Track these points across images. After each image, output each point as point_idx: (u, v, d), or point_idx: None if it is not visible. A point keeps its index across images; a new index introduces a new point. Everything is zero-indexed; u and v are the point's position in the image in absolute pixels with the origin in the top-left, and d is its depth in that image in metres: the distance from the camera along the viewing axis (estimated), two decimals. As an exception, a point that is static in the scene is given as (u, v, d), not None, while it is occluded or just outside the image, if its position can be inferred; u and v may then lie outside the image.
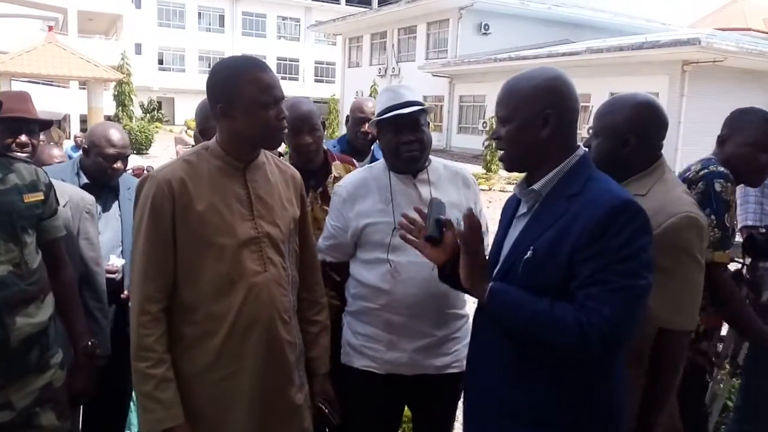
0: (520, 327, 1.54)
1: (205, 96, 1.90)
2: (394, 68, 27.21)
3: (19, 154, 2.34)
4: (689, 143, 13.11)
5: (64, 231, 2.13)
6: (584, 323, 1.42)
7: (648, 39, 17.84)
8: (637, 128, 1.93)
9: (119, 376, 2.45)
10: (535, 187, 1.63)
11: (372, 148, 3.39)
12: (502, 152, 1.69)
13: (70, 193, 2.43)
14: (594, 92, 18.37)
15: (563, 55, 18.82)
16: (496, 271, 1.69)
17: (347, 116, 3.49)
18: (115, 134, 2.77)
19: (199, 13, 41.44)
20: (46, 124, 2.58)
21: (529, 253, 1.56)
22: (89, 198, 2.52)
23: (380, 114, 2.24)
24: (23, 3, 28.90)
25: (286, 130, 1.86)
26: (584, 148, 1.66)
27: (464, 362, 2.19)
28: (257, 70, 1.78)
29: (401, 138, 2.18)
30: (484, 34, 23.86)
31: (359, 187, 2.28)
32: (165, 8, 40.34)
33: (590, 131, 2.06)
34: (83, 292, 2.38)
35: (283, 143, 2.83)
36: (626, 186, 1.88)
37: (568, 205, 1.55)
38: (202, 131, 2.36)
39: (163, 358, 1.74)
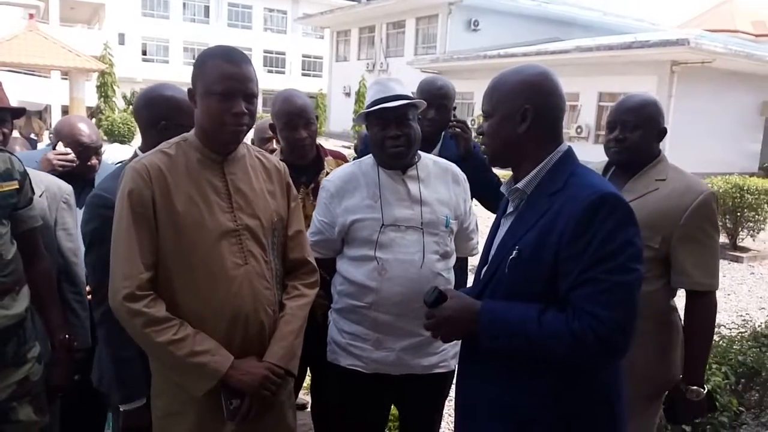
0: (513, 347, 1.53)
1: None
2: (382, 63, 27.08)
3: None
4: (676, 144, 13.08)
5: (40, 221, 2.07)
6: (576, 329, 1.42)
7: (637, 38, 17.89)
8: (663, 121, 2.26)
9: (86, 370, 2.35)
10: (519, 185, 1.62)
11: (441, 138, 2.97)
12: (484, 147, 1.70)
13: (47, 183, 2.33)
14: (582, 91, 18.42)
15: (552, 53, 18.79)
16: (484, 271, 1.69)
17: None
18: (84, 129, 2.66)
19: (184, 4, 40.99)
20: (18, 113, 2.44)
21: (514, 252, 1.55)
22: (66, 187, 2.42)
23: (368, 107, 2.18)
24: (4, -10, 28.31)
25: (242, 129, 1.75)
26: (568, 144, 1.65)
27: (451, 362, 2.27)
28: (224, 58, 1.72)
29: (387, 132, 2.14)
30: (474, 30, 23.82)
31: (348, 182, 2.23)
32: (149, -2, 39.78)
33: (617, 126, 2.22)
34: (61, 284, 2.31)
35: (274, 138, 2.67)
36: (646, 173, 2.23)
37: (550, 202, 1.53)
38: (165, 127, 2.03)
39: (181, 322, 1.70)
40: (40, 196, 2.23)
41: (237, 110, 1.71)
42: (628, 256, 1.44)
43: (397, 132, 2.13)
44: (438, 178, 2.27)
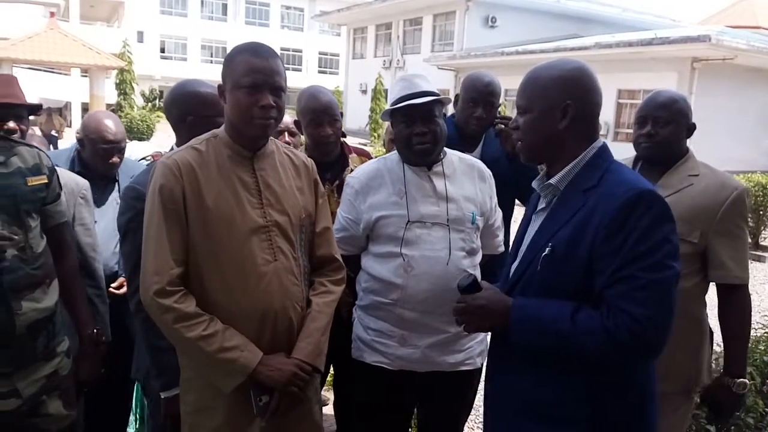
0: (545, 344, 1.51)
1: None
2: (399, 60, 27.00)
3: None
4: (697, 142, 12.91)
5: (66, 216, 2.10)
6: (611, 327, 1.40)
7: (658, 35, 17.65)
8: (691, 117, 2.28)
9: (120, 364, 2.40)
10: (552, 181, 1.60)
11: (484, 135, 2.93)
12: (519, 143, 1.66)
13: (65, 179, 2.34)
14: (602, 88, 18.20)
15: (572, 50, 18.62)
16: (514, 268, 1.67)
17: (456, 95, 2.94)
18: (110, 126, 2.69)
19: (202, 1, 41.17)
20: (34, 109, 2.47)
21: (547, 249, 1.53)
22: (83, 183, 2.47)
23: (394, 103, 2.17)
24: (25, -12, 28.64)
25: (270, 122, 1.75)
26: (603, 140, 1.62)
27: (477, 359, 2.27)
28: (251, 52, 1.74)
29: (414, 129, 2.13)
30: (491, 27, 23.65)
31: (372, 178, 2.23)
32: (168, -5, 40.05)
33: (649, 121, 2.23)
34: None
35: (302, 135, 2.67)
36: (678, 169, 2.22)
37: (585, 199, 1.52)
38: (193, 122, 2.07)
39: (212, 317, 1.72)
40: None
41: (264, 103, 1.71)
42: (664, 253, 1.42)
43: (424, 129, 2.12)
44: (464, 174, 2.26)
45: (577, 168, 1.57)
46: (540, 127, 1.59)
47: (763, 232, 9.26)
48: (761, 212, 9.02)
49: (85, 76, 21.85)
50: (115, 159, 2.73)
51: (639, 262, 1.40)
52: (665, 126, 2.20)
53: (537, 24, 23.37)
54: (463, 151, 2.62)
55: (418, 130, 2.12)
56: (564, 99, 1.55)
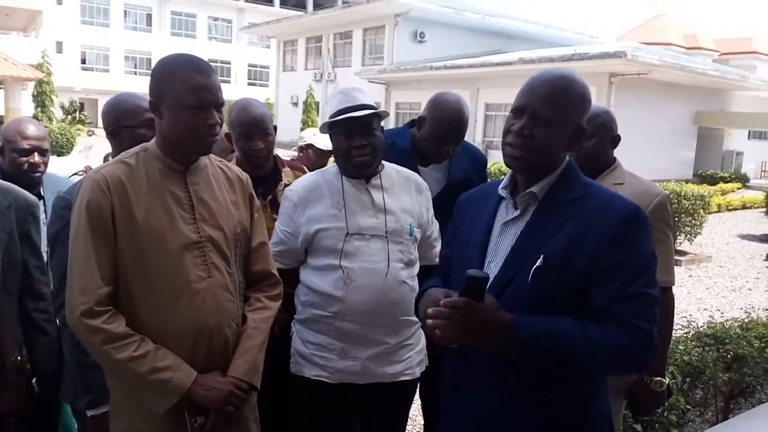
0: (552, 362, 1.46)
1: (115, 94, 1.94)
2: (330, 73, 27.05)
3: None
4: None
5: None
6: (626, 344, 1.41)
7: (577, 51, 18.45)
8: (616, 128, 2.40)
9: (49, 388, 2.28)
10: (534, 190, 1.56)
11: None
12: (516, 150, 1.53)
13: (14, 195, 2.24)
14: (527, 101, 18.76)
15: (497, 65, 19.20)
16: (495, 277, 1.53)
17: (421, 117, 2.68)
18: (30, 127, 2.58)
19: (125, 11, 40.03)
20: None
21: (539, 261, 1.48)
22: (33, 200, 2.33)
23: (333, 116, 2.17)
24: (-69, -5, 26.99)
25: (215, 139, 1.75)
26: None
27: (416, 369, 2.27)
28: (191, 69, 1.69)
29: (353, 142, 2.14)
30: (420, 41, 24.07)
31: (311, 191, 2.22)
32: (88, 5, 38.72)
33: None
34: (25, 302, 2.23)
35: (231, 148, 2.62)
36: (605, 177, 2.34)
37: (572, 209, 1.51)
38: (113, 133, 2.13)
39: (142, 338, 1.65)
40: (7, 209, 2.16)
41: (212, 121, 1.69)
42: (654, 269, 1.48)
43: (363, 141, 2.13)
44: (401, 187, 2.28)
45: (554, 179, 1.57)
46: (557, 144, 1.53)
47: (678, 237, 9.75)
48: (676, 219, 9.52)
49: (0, 88, 20.78)
50: (37, 159, 2.55)
51: (642, 278, 1.44)
52: (589, 139, 2.26)
53: (463, 39, 23.95)
54: (421, 165, 2.63)
55: (358, 143, 2.13)
56: (580, 121, 1.54)
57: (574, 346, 1.41)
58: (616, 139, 2.39)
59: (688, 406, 3.52)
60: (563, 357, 1.43)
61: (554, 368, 1.47)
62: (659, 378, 2.28)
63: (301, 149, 4.10)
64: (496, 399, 1.55)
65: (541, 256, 1.48)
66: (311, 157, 3.96)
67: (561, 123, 1.51)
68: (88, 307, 1.60)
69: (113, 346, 1.61)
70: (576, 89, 1.53)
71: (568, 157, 1.60)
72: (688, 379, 3.56)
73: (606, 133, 2.35)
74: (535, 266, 1.48)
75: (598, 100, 16.74)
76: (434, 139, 2.58)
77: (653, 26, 27.24)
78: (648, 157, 16.88)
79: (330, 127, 2.19)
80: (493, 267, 1.57)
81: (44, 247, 2.41)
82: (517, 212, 1.59)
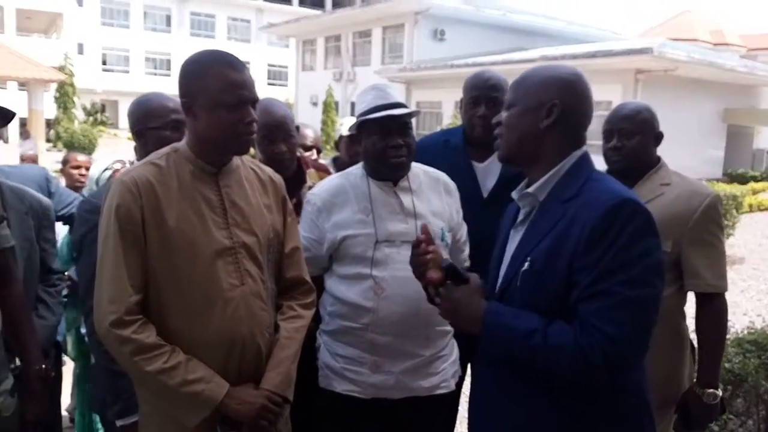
0: (514, 356, 1.42)
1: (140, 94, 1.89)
2: (349, 73, 26.97)
3: None
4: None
5: (11, 241, 1.93)
6: (585, 346, 1.31)
7: (601, 47, 18.14)
8: (658, 125, 2.29)
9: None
10: (530, 190, 1.53)
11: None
12: (498, 140, 1.60)
13: (30, 200, 2.25)
14: (549, 99, 18.54)
15: (518, 62, 18.95)
16: (497, 287, 1.57)
17: (460, 100, 2.67)
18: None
19: (145, 13, 40.36)
20: (6, 117, 2.10)
21: (526, 264, 1.45)
22: (47, 203, 2.36)
23: (365, 113, 2.05)
24: (-45, -2, 27.47)
25: (253, 137, 1.71)
26: (584, 149, 1.55)
27: (451, 381, 2.17)
28: (226, 65, 1.63)
29: (389, 141, 2.02)
30: (440, 39, 23.91)
31: (336, 195, 2.11)
32: (108, 7, 39.09)
33: (615, 135, 2.23)
34: (38, 288, 2.28)
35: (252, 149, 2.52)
36: (650, 178, 2.23)
37: (564, 209, 1.44)
38: (139, 134, 2.10)
39: (173, 348, 1.60)
40: (26, 214, 2.18)
41: (250, 119, 1.64)
42: (644, 268, 1.33)
43: (400, 141, 2.02)
44: (430, 188, 2.18)
45: (557, 177, 1.50)
46: (521, 123, 1.52)
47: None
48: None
49: (23, 90, 21.00)
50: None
51: (616, 276, 1.32)
52: (631, 137, 2.21)
53: (484, 37, 23.73)
54: (473, 161, 2.52)
55: (394, 143, 2.02)
56: (552, 98, 1.49)
57: (531, 340, 1.37)
58: (659, 137, 2.28)
59: (730, 416, 3.39)
60: (521, 351, 1.39)
61: (516, 362, 1.43)
62: (712, 390, 2.14)
63: (335, 144, 4.02)
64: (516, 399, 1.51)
65: (528, 258, 1.45)
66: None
67: (517, 102, 1.53)
68: (118, 316, 1.56)
69: (143, 357, 1.56)
70: (540, 73, 1.54)
71: (578, 153, 1.53)
72: (729, 387, 3.42)
73: (648, 130, 2.25)
74: (522, 270, 1.45)
75: (623, 98, 16.49)
76: (468, 108, 2.55)
77: (679, 22, 26.86)
78: (675, 155, 16.41)
79: (361, 126, 2.08)
80: (502, 271, 1.58)
81: None
82: (522, 216, 1.58)
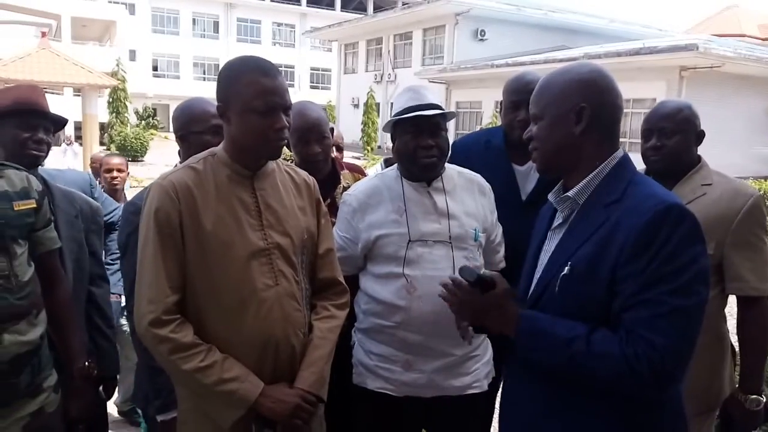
0: (554, 363, 1.40)
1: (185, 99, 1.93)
2: (390, 74, 27.13)
3: (34, 152, 2.11)
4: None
5: (59, 243, 1.98)
6: (631, 356, 1.28)
7: (645, 44, 17.82)
8: (699, 124, 2.20)
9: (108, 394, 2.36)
10: (570, 194, 1.49)
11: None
12: (534, 153, 1.56)
13: (80, 204, 2.28)
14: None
15: (561, 61, 18.73)
16: (532, 290, 1.54)
17: (501, 101, 2.65)
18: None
19: (194, 20, 41.37)
20: (60, 123, 2.23)
21: (566, 269, 1.41)
22: (96, 207, 2.39)
23: (399, 113, 2.10)
24: (16, 9, 28.70)
25: (284, 142, 1.73)
26: (624, 151, 1.52)
27: (484, 382, 2.16)
28: (258, 72, 1.66)
29: (420, 142, 2.06)
30: (481, 40, 23.82)
31: (370, 195, 2.16)
32: (159, 14, 40.26)
33: (654, 134, 2.17)
34: (91, 310, 2.29)
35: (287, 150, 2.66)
36: (691, 178, 2.17)
37: (607, 214, 1.40)
38: (182, 138, 2.16)
39: (209, 347, 1.64)
40: (76, 217, 2.20)
41: (280, 125, 1.67)
42: (692, 276, 1.29)
43: (431, 142, 2.05)
44: (464, 189, 2.18)
45: (597, 180, 1.46)
46: (554, 134, 1.48)
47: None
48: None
49: (78, 95, 21.82)
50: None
51: (664, 285, 1.28)
52: (671, 137, 2.14)
53: (525, 36, 23.53)
54: (513, 164, 2.48)
55: (425, 143, 2.05)
56: (578, 102, 1.45)
57: (573, 347, 1.34)
58: (700, 135, 2.20)
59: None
60: (562, 357, 1.37)
61: (557, 370, 1.41)
62: (755, 396, 2.08)
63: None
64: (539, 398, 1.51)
65: (569, 263, 1.41)
66: None
67: (544, 114, 1.51)
68: (156, 316, 1.60)
69: (180, 356, 1.60)
70: (559, 78, 1.51)
71: (619, 154, 1.49)
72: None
73: (690, 129, 2.16)
74: (561, 274, 1.42)
75: (667, 95, 16.16)
76: (507, 112, 2.51)
77: (725, 17, 26.06)
78: (722, 153, 16.04)
79: (396, 125, 2.12)
80: (537, 275, 1.55)
81: None
82: (561, 219, 1.55)
